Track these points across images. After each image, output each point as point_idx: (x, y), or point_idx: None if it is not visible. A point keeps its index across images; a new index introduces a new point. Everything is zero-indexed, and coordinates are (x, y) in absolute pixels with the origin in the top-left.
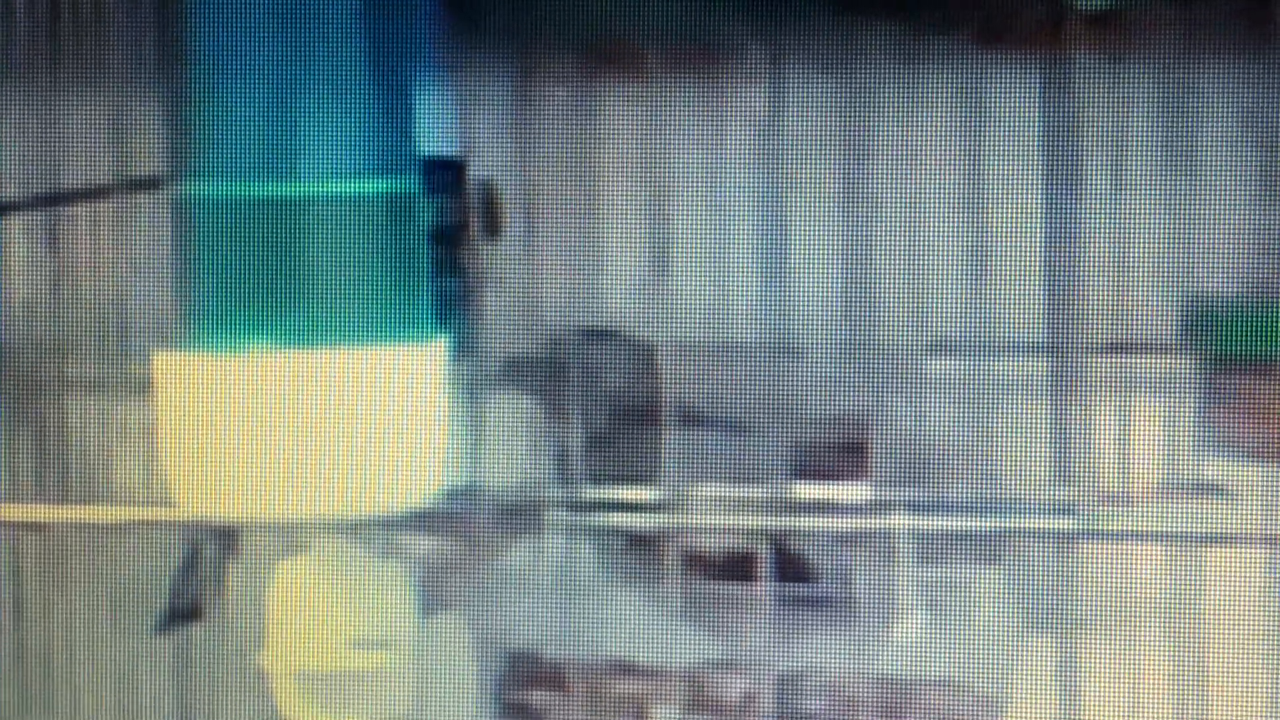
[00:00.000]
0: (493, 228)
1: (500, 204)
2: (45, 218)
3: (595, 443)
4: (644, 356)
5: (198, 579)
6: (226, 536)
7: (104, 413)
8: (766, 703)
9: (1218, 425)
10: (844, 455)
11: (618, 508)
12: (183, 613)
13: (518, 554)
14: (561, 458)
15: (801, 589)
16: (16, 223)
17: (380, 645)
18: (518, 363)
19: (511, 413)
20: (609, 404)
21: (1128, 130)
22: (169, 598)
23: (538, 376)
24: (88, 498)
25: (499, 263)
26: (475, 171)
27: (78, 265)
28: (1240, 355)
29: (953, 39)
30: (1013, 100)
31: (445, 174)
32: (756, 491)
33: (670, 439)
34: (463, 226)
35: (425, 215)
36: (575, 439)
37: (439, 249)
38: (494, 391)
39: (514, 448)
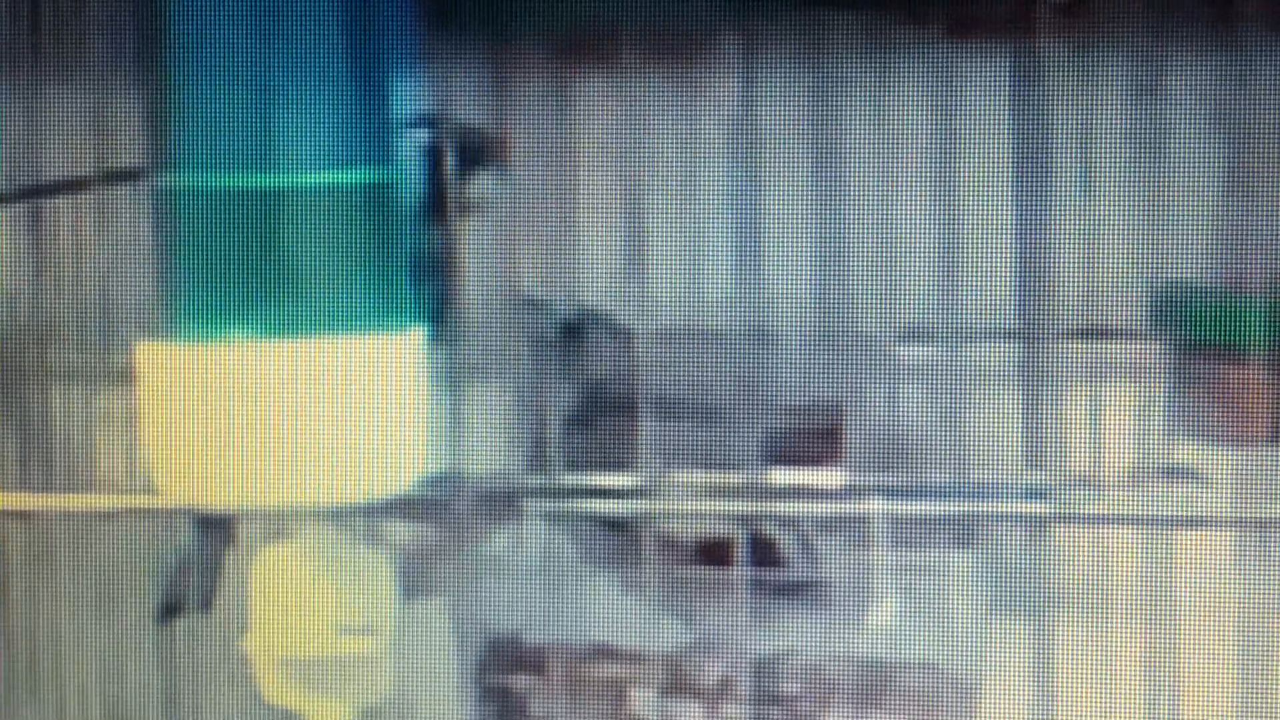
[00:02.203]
0: (489, 159)
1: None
2: (27, 210)
3: (572, 429)
4: (620, 343)
5: (196, 570)
6: (221, 526)
7: (88, 402)
8: (744, 686)
9: (1189, 410)
10: (819, 441)
11: (595, 494)
12: (182, 602)
13: (497, 540)
14: (539, 444)
15: (777, 574)
16: (0, 215)
17: (362, 631)
18: (495, 349)
19: (490, 400)
20: (586, 391)
21: (1098, 119)
22: (168, 588)
23: (515, 363)
24: (72, 486)
25: (468, 252)
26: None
27: (60, 256)
28: (1211, 342)
29: (923, 28)
30: (983, 89)
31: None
32: (732, 477)
33: (647, 426)
34: (440, 209)
35: (403, 205)
36: (552, 426)
37: (417, 235)
38: (472, 379)
39: (492, 435)
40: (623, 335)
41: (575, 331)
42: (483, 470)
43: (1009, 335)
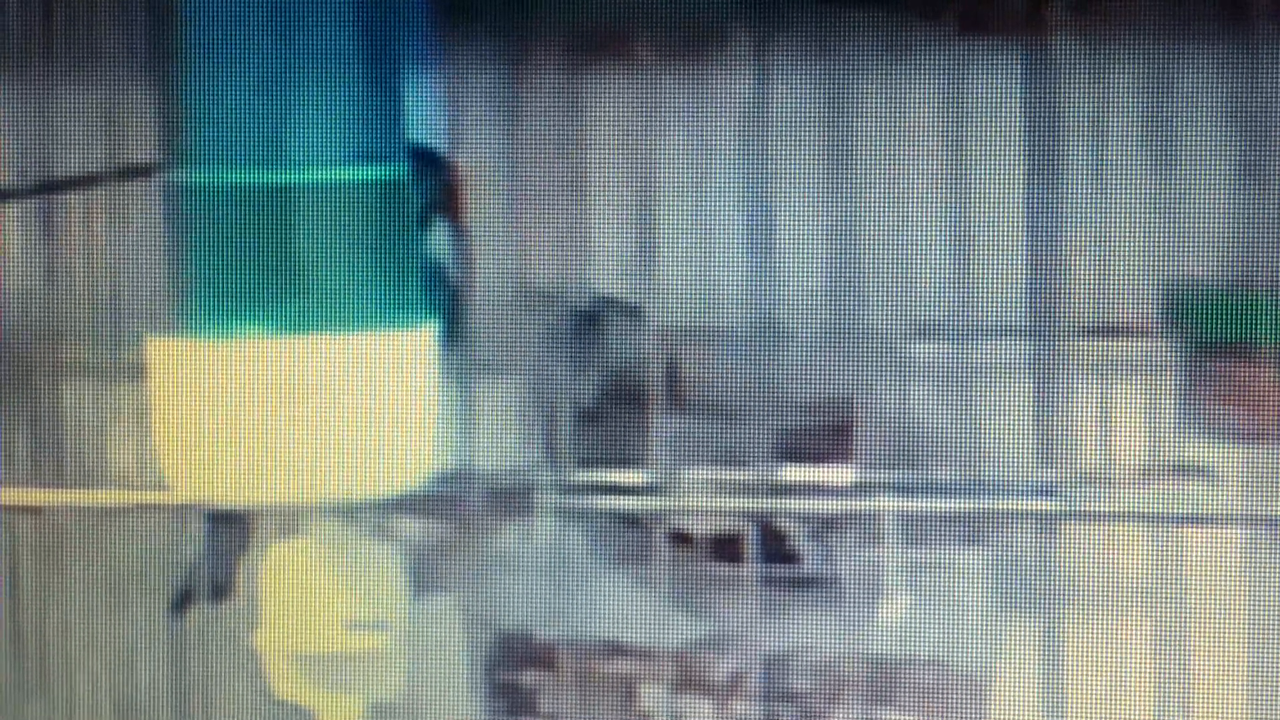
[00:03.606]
0: (455, 218)
1: (463, 194)
2: (40, 205)
3: (584, 425)
4: (633, 339)
5: (212, 560)
6: (238, 518)
7: (99, 397)
8: (754, 683)
9: (1200, 408)
10: (830, 438)
11: (607, 490)
12: (196, 592)
13: (508, 536)
14: (550, 440)
15: (788, 570)
16: (11, 210)
17: (373, 627)
18: (507, 346)
19: (501, 396)
20: (598, 387)
21: (1110, 115)
22: (184, 578)
23: (526, 359)
24: (83, 482)
25: (482, 241)
26: (450, 159)
27: (72, 252)
28: (1222, 339)
29: (935, 25)
30: (995, 85)
31: (428, 167)
32: (744, 474)
33: (658, 422)
34: (451, 211)
35: (414, 201)
36: (564, 422)
37: (427, 234)
38: (484, 375)
39: (504, 431)
40: (637, 328)
41: (592, 320)
42: (494, 466)
43: (1020, 332)
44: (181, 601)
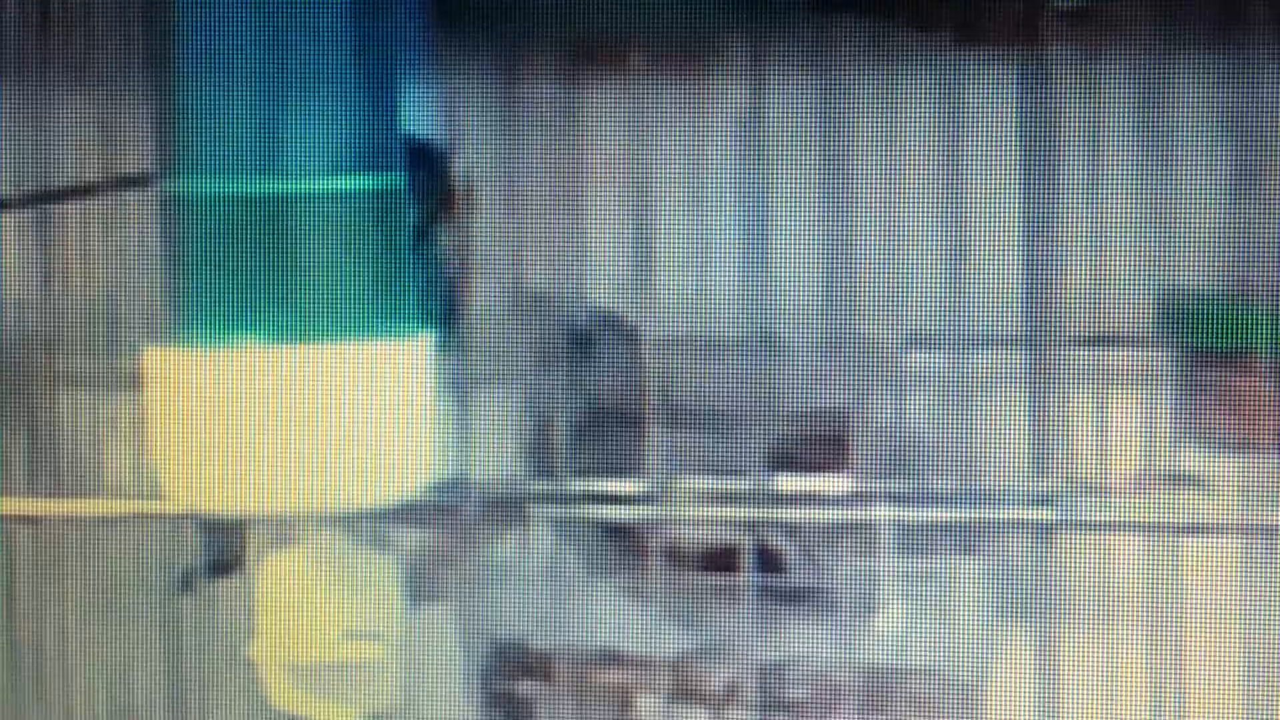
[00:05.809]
0: (449, 210)
1: (457, 189)
2: (36, 215)
3: (579, 435)
4: (627, 349)
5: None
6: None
7: (95, 407)
8: (750, 692)
9: (1195, 417)
10: (825, 447)
11: (602, 500)
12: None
13: (504, 546)
14: (545, 450)
15: (783, 580)
16: (8, 220)
17: (369, 636)
18: (502, 355)
19: (497, 406)
20: (593, 397)
21: (1106, 125)
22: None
23: (522, 369)
24: (80, 491)
25: (477, 250)
26: (445, 155)
27: (69, 262)
28: (1217, 348)
29: (931, 35)
30: (991, 95)
31: (424, 161)
32: (739, 483)
33: (653, 432)
34: (446, 217)
35: (410, 210)
36: (559, 432)
37: (423, 241)
38: (480, 385)
39: (499, 440)
40: (630, 339)
41: (585, 334)
42: (489, 476)
43: (1015, 342)
44: (185, 581)
